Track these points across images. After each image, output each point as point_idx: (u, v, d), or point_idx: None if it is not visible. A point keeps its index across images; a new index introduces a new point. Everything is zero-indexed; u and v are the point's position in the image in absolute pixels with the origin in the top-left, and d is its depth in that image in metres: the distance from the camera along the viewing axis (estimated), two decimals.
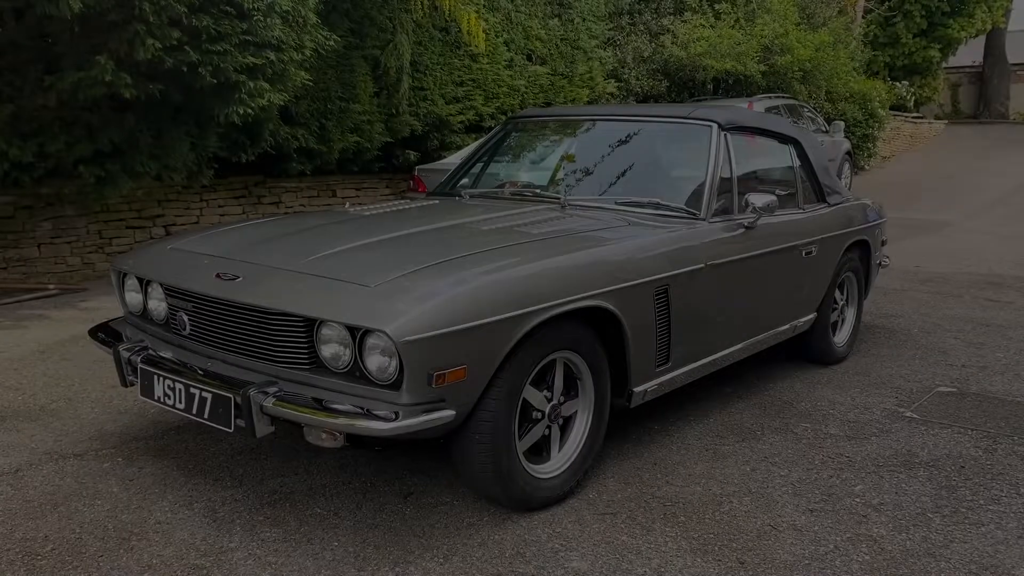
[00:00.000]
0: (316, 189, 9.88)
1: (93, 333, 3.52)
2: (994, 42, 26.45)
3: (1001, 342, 5.73)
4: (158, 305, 3.31)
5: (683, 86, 13.59)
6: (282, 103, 7.25)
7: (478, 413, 2.79)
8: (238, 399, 2.73)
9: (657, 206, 3.82)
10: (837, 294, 5.06)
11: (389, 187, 10.71)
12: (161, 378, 2.98)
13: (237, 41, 6.34)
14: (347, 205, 4.39)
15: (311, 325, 2.75)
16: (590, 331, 3.12)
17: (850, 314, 5.29)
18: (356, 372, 2.71)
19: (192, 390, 2.88)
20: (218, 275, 2.99)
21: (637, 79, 12.99)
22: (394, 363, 2.60)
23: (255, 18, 6.36)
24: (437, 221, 3.67)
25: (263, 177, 9.28)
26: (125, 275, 3.46)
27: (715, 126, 4.06)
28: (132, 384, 3.17)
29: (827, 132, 12.83)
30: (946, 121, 24.41)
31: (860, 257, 5.23)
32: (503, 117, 10.92)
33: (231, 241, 3.42)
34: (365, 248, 3.16)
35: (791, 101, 12.50)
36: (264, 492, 3.17)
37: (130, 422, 3.90)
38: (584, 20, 11.88)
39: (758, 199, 3.90)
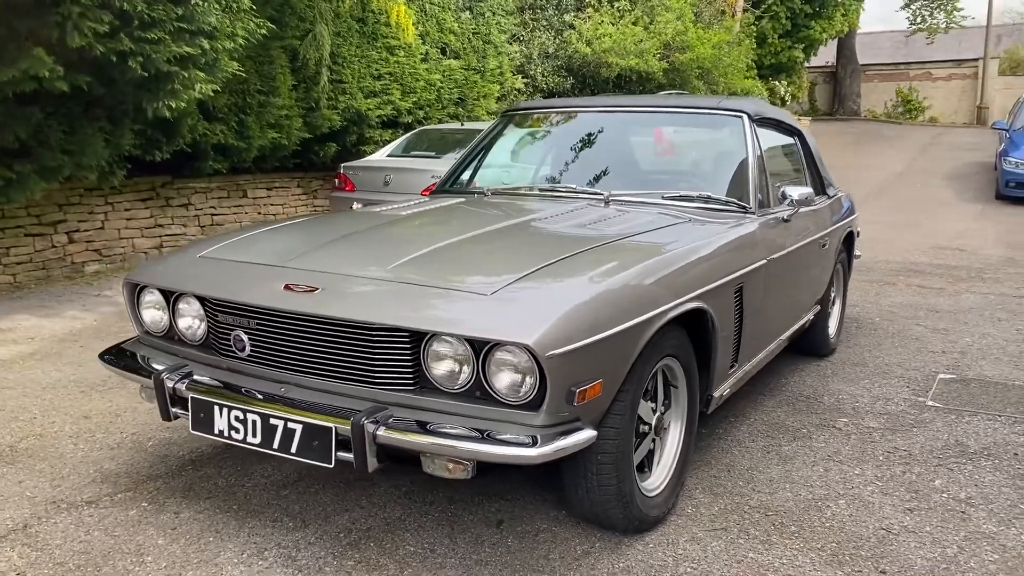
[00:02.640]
0: (226, 190, 9.21)
1: (106, 358, 3.00)
2: (845, 44, 28.00)
3: (960, 327, 5.93)
4: (192, 323, 2.86)
5: (585, 82, 13.58)
6: (212, 94, 6.64)
7: (601, 431, 2.53)
8: (341, 429, 2.36)
9: (707, 200, 3.66)
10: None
11: (301, 186, 10.14)
12: (225, 409, 2.55)
13: (172, 28, 5.74)
14: (355, 206, 4.00)
15: (418, 340, 2.42)
16: (686, 336, 2.92)
17: (838, 305, 5.32)
18: (476, 391, 2.39)
19: (273, 421, 2.47)
20: (288, 286, 2.59)
21: (543, 75, 12.88)
22: (531, 380, 2.31)
23: (192, 2, 5.77)
24: (491, 222, 3.35)
25: (171, 177, 8.55)
26: (142, 289, 2.97)
27: (746, 116, 3.94)
28: (176, 417, 2.71)
29: None
30: (810, 118, 25.67)
31: (847, 248, 5.27)
32: (420, 112, 10.57)
33: (272, 248, 2.99)
34: (446, 252, 2.82)
35: None
36: (336, 531, 2.79)
37: (131, 458, 3.38)
38: (494, 14, 11.64)
39: (794, 191, 3.81)
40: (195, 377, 2.71)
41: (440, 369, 2.41)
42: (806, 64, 25.07)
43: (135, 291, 2.99)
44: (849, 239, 5.26)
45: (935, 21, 26.58)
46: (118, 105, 6.54)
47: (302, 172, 10.07)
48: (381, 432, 2.32)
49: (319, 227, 3.32)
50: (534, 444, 2.27)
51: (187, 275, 2.87)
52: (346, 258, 2.82)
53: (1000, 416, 4.06)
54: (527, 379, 2.31)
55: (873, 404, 4.23)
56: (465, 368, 2.39)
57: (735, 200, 3.65)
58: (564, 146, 4.31)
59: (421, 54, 10.40)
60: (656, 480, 2.90)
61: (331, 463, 2.39)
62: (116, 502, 2.98)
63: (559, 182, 4.04)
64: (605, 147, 4.19)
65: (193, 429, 2.63)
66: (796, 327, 4.32)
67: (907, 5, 27.12)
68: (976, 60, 27.92)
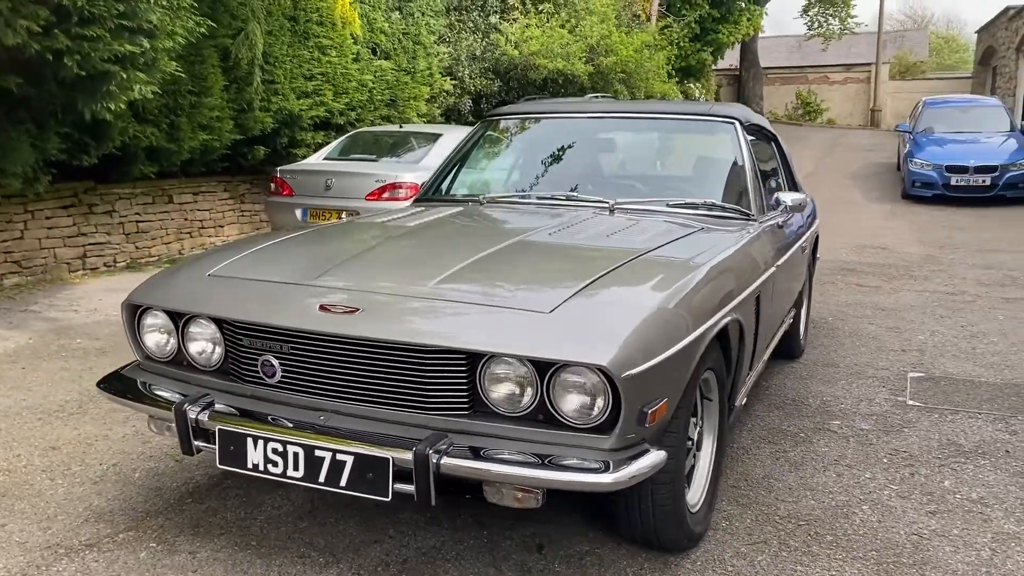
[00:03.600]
0: (151, 195, 8.74)
1: (104, 387, 2.74)
2: (748, 48, 28.88)
3: (909, 325, 6.12)
4: (206, 347, 2.65)
5: (511, 85, 13.52)
6: (152, 96, 6.27)
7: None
8: (399, 459, 2.21)
9: (712, 207, 3.63)
10: None
11: (228, 191, 9.73)
12: (261, 441, 2.36)
13: (112, 25, 5.39)
14: (344, 216, 3.81)
15: (474, 362, 2.29)
16: (719, 348, 2.87)
17: (805, 307, 5.41)
18: (539, 415, 2.28)
19: (319, 453, 2.29)
20: (323, 307, 2.42)
21: (471, 77, 12.76)
22: (602, 402, 2.21)
23: None
24: (509, 235, 3.20)
25: (94, 183, 8.06)
26: (144, 312, 2.73)
27: (737, 123, 3.94)
28: (199, 451, 2.50)
29: None
30: None
31: (813, 251, 5.37)
32: (353, 114, 10.30)
33: (289, 265, 2.79)
34: (482, 267, 2.69)
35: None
36: (372, 564, 2.62)
37: (120, 493, 3.12)
38: (423, 15, 11.46)
39: (787, 197, 3.83)
40: (217, 407, 2.50)
41: (499, 392, 2.29)
42: (713, 67, 25.72)
43: (136, 313, 2.75)
44: (816, 242, 5.36)
45: (831, 27, 27.66)
46: (45, 107, 6.11)
47: (229, 176, 9.67)
48: (445, 461, 2.18)
49: (329, 241, 3.14)
50: (607, 469, 2.18)
51: (201, 296, 2.65)
52: (377, 275, 2.66)
53: (980, 414, 4.19)
54: (598, 401, 2.22)
55: (857, 405, 4.30)
56: (527, 390, 2.27)
57: (738, 207, 3.63)
58: (554, 153, 4.21)
59: (353, 54, 10.14)
60: (695, 495, 2.84)
61: (388, 496, 2.24)
62: (120, 543, 2.73)
63: (553, 189, 3.91)
64: (594, 154, 4.12)
65: (221, 464, 2.42)
66: (782, 330, 4.35)
67: (805, 12, 28.13)
68: (868, 65, 29.25)
